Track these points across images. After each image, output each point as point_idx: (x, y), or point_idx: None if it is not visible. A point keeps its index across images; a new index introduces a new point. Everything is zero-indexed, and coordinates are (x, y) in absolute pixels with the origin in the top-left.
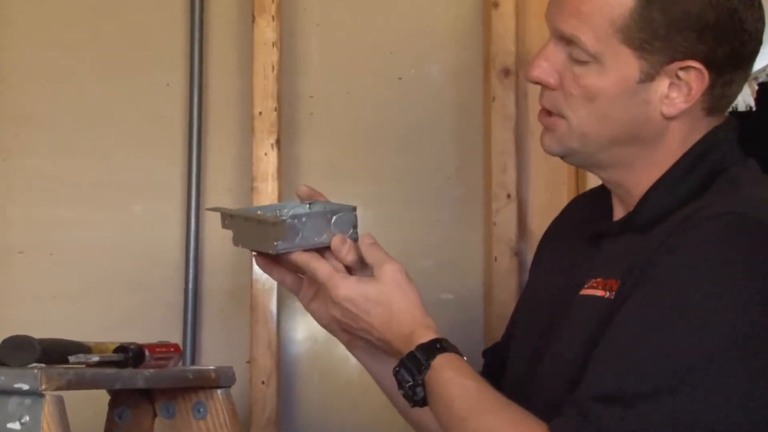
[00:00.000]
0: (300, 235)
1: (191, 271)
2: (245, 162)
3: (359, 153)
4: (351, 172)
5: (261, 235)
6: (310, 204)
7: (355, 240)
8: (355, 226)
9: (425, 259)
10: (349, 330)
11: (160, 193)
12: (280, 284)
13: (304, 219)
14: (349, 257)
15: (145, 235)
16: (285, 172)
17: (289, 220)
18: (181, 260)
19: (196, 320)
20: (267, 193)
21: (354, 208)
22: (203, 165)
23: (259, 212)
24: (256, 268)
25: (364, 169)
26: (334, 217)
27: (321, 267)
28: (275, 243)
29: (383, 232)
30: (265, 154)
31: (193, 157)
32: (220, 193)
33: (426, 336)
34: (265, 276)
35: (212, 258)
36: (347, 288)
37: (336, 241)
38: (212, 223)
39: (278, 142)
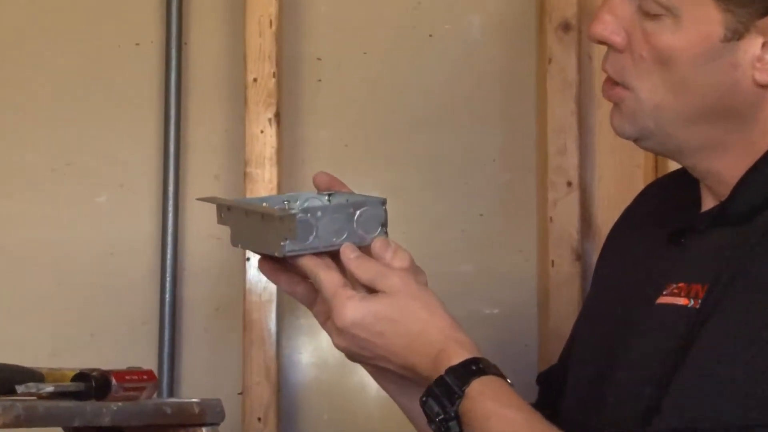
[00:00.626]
0: (314, 234)
1: (168, 277)
2: (236, 142)
3: (379, 130)
4: (368, 155)
5: (265, 233)
6: (329, 195)
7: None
8: (383, 224)
9: (463, 263)
10: (365, 362)
11: (129, 180)
12: (291, 296)
13: (319, 213)
14: (399, 262)
15: (110, 233)
16: (286, 155)
17: (300, 215)
18: (155, 264)
19: (175, 340)
20: (263, 181)
21: (383, 202)
22: (183, 146)
23: (264, 204)
24: (250, 274)
25: (385, 150)
26: (358, 212)
27: (328, 279)
28: (282, 243)
29: (408, 230)
30: (261, 132)
31: (170, 135)
32: (204, 180)
33: (458, 355)
34: (262, 285)
35: (195, 261)
36: (352, 310)
37: (379, 245)
38: (195, 217)
39: (277, 116)
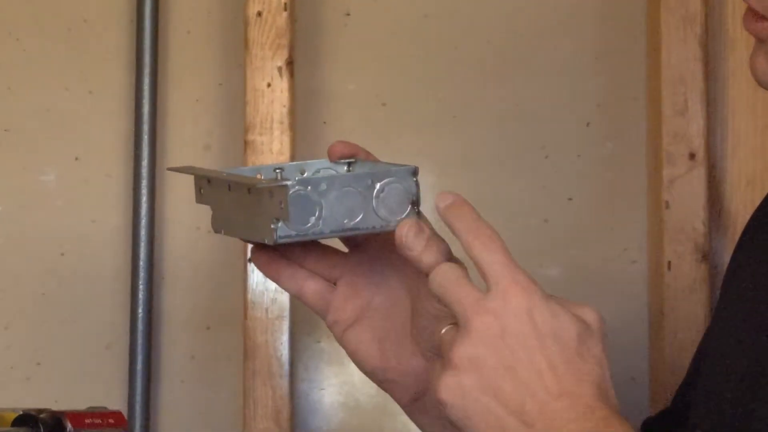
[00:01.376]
0: (316, 214)
1: (141, 285)
2: (233, 100)
3: (428, 83)
4: (413, 117)
5: (253, 213)
6: (348, 164)
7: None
8: (414, 202)
9: (546, 265)
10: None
11: (87, 151)
12: (297, 298)
13: (323, 186)
14: (428, 256)
15: (61, 225)
16: (302, 117)
17: (297, 186)
18: (124, 267)
19: (151, 370)
20: (270, 152)
21: (414, 171)
22: (161, 105)
23: (259, 176)
24: (252, 280)
25: (436, 110)
26: (378, 185)
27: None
28: (273, 226)
29: None
30: (268, 86)
31: (143, 91)
32: (190, 151)
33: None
34: (270, 295)
35: (178, 263)
36: (524, 296)
37: (405, 228)
38: (177, 202)
39: (290, 64)
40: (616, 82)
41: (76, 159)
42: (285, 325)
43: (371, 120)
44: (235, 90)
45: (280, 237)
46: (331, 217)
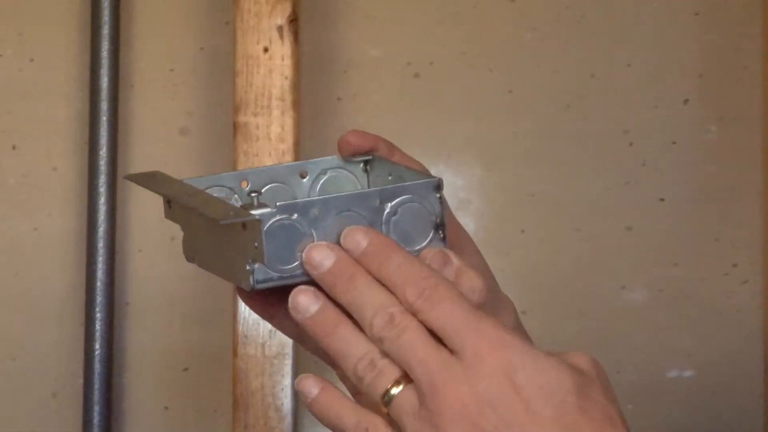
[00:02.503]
0: (306, 249)
1: (99, 314)
2: (218, 69)
3: (473, 44)
4: (455, 88)
5: (226, 247)
6: (365, 162)
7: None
8: (439, 226)
9: (630, 284)
10: None
11: (30, 137)
12: (295, 339)
13: (315, 211)
14: (476, 293)
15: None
16: (309, 91)
17: (278, 216)
18: (76, 285)
19: (111, 426)
20: (268, 138)
21: (437, 185)
22: (125, 77)
23: (244, 183)
24: (244, 307)
25: (483, 80)
26: (389, 206)
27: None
28: (249, 267)
29: (528, 225)
30: (265, 51)
31: (100, 58)
32: (160, 137)
33: None
34: (266, 327)
35: (146, 284)
36: (497, 355)
37: (426, 260)
38: (147, 199)
39: (293, 22)
40: (723, 46)
41: (13, 148)
42: (287, 365)
43: (400, 96)
44: (221, 56)
45: (258, 282)
46: None
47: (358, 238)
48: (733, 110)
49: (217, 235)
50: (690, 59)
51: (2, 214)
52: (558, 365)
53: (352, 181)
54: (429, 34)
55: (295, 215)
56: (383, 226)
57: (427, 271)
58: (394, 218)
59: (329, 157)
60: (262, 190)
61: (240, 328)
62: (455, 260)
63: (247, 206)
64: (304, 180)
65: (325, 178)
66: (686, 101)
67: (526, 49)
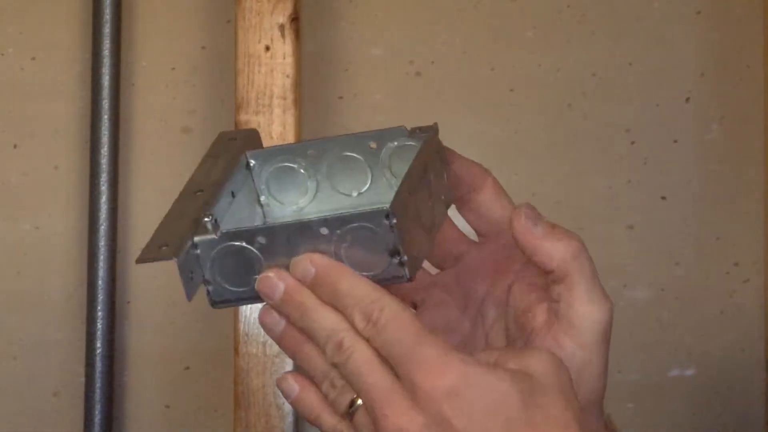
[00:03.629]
0: (259, 270)
1: (100, 313)
2: (220, 67)
3: (475, 42)
4: (457, 86)
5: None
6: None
7: (408, 280)
8: (393, 253)
9: (632, 282)
10: None
11: (31, 135)
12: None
13: (260, 239)
14: (569, 243)
15: None
16: (311, 89)
17: (223, 244)
18: (78, 285)
19: (112, 425)
20: (270, 137)
21: (388, 213)
22: (126, 76)
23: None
24: (243, 310)
25: (485, 78)
26: (338, 234)
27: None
28: (206, 287)
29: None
30: (267, 49)
31: (102, 57)
32: (163, 135)
33: None
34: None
35: (147, 283)
36: (437, 380)
37: (522, 215)
38: (148, 199)
39: (295, 20)
40: (725, 44)
41: (14, 147)
42: (288, 364)
43: (402, 95)
44: (223, 55)
45: (216, 302)
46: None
47: (305, 266)
48: (734, 109)
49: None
50: (692, 58)
51: (3, 213)
52: (501, 380)
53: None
54: (430, 32)
55: (242, 242)
56: (334, 254)
57: (375, 293)
58: (344, 245)
59: (396, 128)
60: (334, 160)
61: (241, 326)
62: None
63: (200, 231)
64: (374, 148)
65: (394, 146)
66: (688, 100)
67: (527, 48)
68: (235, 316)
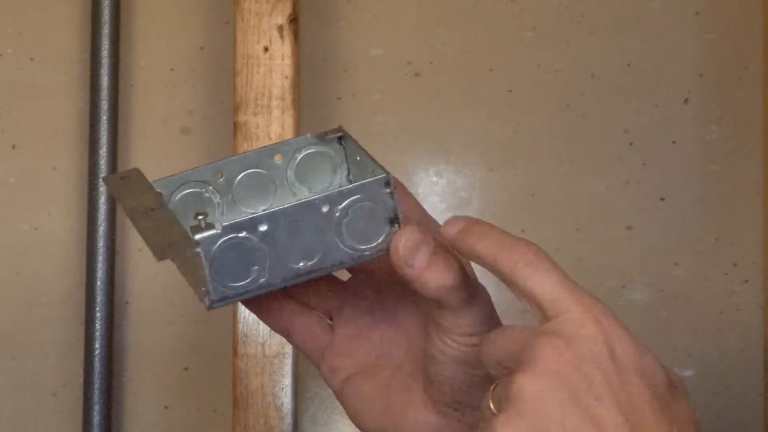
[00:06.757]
0: (259, 263)
1: (99, 309)
2: (218, 68)
3: (474, 43)
4: (456, 87)
5: (189, 258)
6: (339, 138)
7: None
8: (393, 219)
9: (631, 284)
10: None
11: (30, 136)
12: (284, 337)
13: (263, 226)
14: (434, 274)
15: None
16: (309, 90)
17: (225, 238)
18: (77, 285)
19: (111, 425)
20: (268, 137)
21: (387, 181)
22: (125, 76)
23: (219, 175)
24: (243, 307)
25: (484, 79)
26: (338, 210)
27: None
28: (203, 288)
29: (529, 225)
30: (265, 50)
31: (101, 57)
32: (162, 135)
33: None
34: (264, 330)
35: (146, 284)
36: (600, 325)
37: (403, 238)
38: None
39: (294, 20)
40: (723, 45)
41: (13, 147)
42: (287, 365)
43: (401, 96)
44: (222, 56)
45: (214, 302)
46: (279, 262)
47: (456, 220)
48: (733, 109)
49: (181, 243)
50: (690, 58)
51: (2, 214)
52: (654, 357)
53: (328, 157)
54: (429, 33)
55: (243, 233)
56: (336, 228)
57: (525, 242)
58: (345, 220)
59: (302, 137)
60: (238, 177)
61: (240, 327)
62: (431, 240)
63: (195, 228)
64: (279, 162)
65: (301, 156)
66: (686, 100)
67: (526, 49)
68: (234, 317)
